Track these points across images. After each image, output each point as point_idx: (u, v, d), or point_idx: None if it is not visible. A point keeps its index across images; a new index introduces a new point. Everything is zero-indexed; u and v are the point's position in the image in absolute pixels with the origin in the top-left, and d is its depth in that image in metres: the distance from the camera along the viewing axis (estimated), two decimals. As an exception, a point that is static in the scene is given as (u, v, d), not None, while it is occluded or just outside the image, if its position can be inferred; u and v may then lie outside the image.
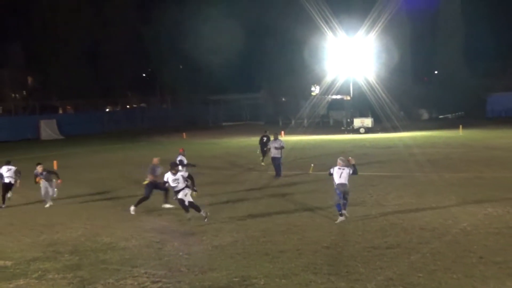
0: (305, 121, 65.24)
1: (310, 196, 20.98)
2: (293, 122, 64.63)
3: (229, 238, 15.22)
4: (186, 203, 17.03)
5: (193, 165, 21.84)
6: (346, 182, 16.66)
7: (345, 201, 16.75)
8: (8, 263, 13.63)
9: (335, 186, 16.71)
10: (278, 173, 26.39)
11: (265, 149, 29.17)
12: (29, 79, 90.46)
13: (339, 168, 16.78)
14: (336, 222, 16.50)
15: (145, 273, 12.43)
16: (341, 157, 17.38)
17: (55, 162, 32.61)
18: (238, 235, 15.46)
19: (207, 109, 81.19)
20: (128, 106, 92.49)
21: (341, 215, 16.65)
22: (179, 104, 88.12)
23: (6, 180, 21.19)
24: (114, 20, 79.94)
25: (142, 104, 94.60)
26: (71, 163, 35.00)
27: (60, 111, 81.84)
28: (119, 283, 11.90)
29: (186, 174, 18.60)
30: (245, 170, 29.47)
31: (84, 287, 11.74)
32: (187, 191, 17.13)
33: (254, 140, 48.77)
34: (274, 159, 26.59)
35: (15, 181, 21.41)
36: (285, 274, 12.05)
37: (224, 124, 77.63)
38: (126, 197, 22.08)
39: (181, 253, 13.84)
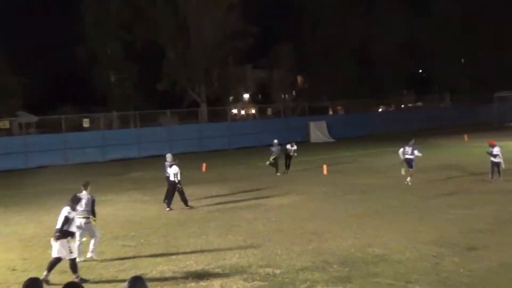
0: None
1: None
2: None
3: (516, 254, 14.39)
4: None
5: None
6: None
7: None
8: (277, 271, 14.18)
9: None
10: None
11: None
12: (299, 80, 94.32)
13: None
14: None
15: (421, 290, 12.17)
16: None
17: (324, 166, 33.61)
18: (522, 252, 14.57)
19: (491, 108, 77.88)
20: (402, 106, 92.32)
21: None
22: (460, 102, 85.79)
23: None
24: (385, 17, 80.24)
25: (418, 103, 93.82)
26: (341, 168, 35.65)
27: (330, 112, 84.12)
28: (393, 299, 11.79)
29: None
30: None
31: (354, 301, 11.81)
32: None
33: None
34: (493, 163, 27.15)
35: None
36: None
37: (511, 124, 73.85)
38: (399, 205, 21.98)
39: (461, 270, 13.33)
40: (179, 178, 23.21)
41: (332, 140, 62.44)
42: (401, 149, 27.38)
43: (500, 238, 16.05)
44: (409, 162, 27.12)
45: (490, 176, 27.11)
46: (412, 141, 27.60)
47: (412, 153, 26.96)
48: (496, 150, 26.90)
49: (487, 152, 27.28)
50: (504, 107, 78.43)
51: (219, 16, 63.94)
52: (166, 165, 24.05)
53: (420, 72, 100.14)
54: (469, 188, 25.41)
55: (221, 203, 24.44)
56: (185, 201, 23.59)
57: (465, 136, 52.03)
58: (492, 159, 26.94)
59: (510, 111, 78.69)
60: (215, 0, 63.39)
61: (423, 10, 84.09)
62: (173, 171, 23.31)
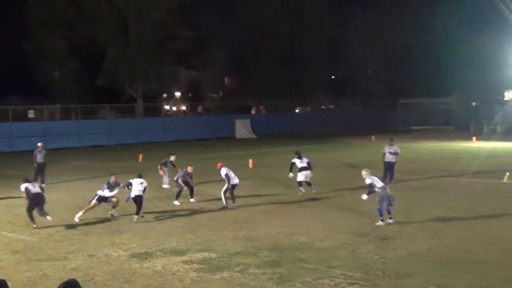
0: (499, 127, 62.11)
1: (507, 206, 20.00)
2: (485, 128, 61.77)
3: (424, 244, 14.92)
4: None
5: None
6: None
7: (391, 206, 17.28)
8: (213, 255, 14.32)
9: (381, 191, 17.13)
10: (391, 177, 26.12)
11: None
12: (226, 80, 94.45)
13: (368, 177, 17.51)
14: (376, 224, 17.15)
15: (342, 274, 12.49)
16: (365, 169, 18.14)
17: (250, 160, 33.84)
18: (433, 242, 15.11)
19: (397, 113, 79.95)
20: (323, 108, 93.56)
21: (382, 220, 17.18)
22: (370, 107, 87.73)
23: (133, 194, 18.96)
24: (311, 25, 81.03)
25: (331, 106, 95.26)
26: (266, 163, 35.97)
27: (253, 112, 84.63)
28: (316, 282, 12.06)
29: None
30: (436, 176, 28.63)
31: (283, 284, 12.03)
32: None
33: (445, 145, 47.64)
34: (389, 163, 26.23)
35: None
36: (484, 286, 11.64)
37: (413, 128, 75.95)
38: (320, 197, 22.40)
39: (376, 257, 13.75)
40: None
41: (255, 136, 62.85)
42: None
43: (409, 230, 16.60)
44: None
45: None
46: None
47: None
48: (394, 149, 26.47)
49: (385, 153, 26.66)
50: (407, 113, 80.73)
51: (158, 18, 63.42)
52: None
53: (334, 78, 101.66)
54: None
55: (158, 192, 24.35)
56: None
57: (373, 137, 53.20)
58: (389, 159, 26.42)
59: (412, 116, 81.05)
60: (155, 3, 62.87)
61: (342, 18, 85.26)
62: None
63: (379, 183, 17.43)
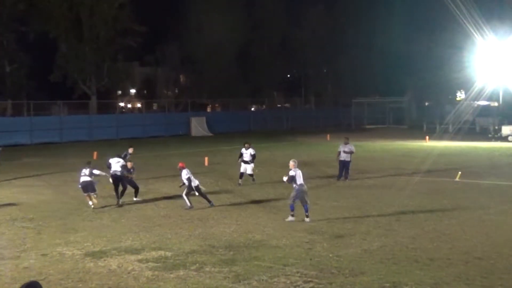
0: (451, 127, 63.27)
1: (458, 204, 20.44)
2: (438, 127, 62.84)
3: (378, 242, 15.14)
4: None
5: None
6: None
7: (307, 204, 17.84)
8: (168, 253, 14.28)
9: (297, 188, 17.64)
10: (346, 176, 26.54)
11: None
12: (181, 78, 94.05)
13: (294, 170, 17.83)
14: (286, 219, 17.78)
15: (297, 272, 12.60)
16: (293, 159, 18.38)
17: (206, 158, 33.83)
18: (386, 240, 15.36)
19: (350, 112, 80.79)
20: (278, 106, 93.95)
21: (292, 215, 17.82)
22: (323, 106, 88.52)
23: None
24: (264, 23, 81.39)
25: (286, 105, 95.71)
26: (221, 160, 35.97)
27: (209, 109, 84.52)
28: (272, 280, 12.15)
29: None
30: (390, 175, 29.06)
31: (239, 282, 12.08)
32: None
33: (398, 144, 48.34)
34: (344, 162, 26.47)
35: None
36: (437, 283, 11.85)
37: (367, 127, 76.86)
38: (274, 196, 22.51)
39: (331, 255, 13.91)
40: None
41: (211, 134, 62.76)
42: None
43: (363, 227, 16.84)
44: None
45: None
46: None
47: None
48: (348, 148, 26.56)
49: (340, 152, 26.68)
50: (361, 111, 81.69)
51: (111, 13, 62.81)
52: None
53: (288, 77, 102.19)
54: (333, 182, 26.31)
55: (110, 189, 24.07)
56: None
57: (328, 136, 53.61)
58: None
59: (365, 115, 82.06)
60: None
61: (295, 17, 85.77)
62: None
63: (299, 180, 17.79)
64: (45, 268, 13.19)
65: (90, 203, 20.25)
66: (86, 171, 20.27)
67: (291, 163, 18.07)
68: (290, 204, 17.82)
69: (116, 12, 63.23)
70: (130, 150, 25.40)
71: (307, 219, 17.63)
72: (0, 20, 59.85)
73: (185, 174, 20.23)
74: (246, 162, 25.72)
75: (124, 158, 23.38)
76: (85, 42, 62.98)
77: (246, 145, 26.20)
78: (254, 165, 26.15)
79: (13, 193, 23.72)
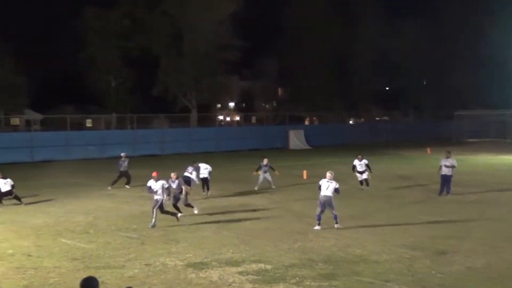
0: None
1: None
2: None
3: (483, 260, 14.70)
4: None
5: None
6: (331, 194, 18.57)
7: (333, 214, 18.67)
8: (268, 266, 14.37)
9: (320, 198, 18.64)
10: (448, 191, 26.02)
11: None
12: (279, 91, 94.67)
13: (327, 181, 18.70)
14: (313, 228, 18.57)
15: (399, 288, 12.42)
16: (330, 171, 19.08)
17: (304, 171, 33.81)
18: (492, 258, 14.89)
19: (451, 125, 78.70)
20: (377, 119, 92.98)
21: (319, 224, 18.66)
22: (423, 119, 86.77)
23: None
24: (362, 37, 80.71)
25: (385, 118, 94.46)
26: (320, 173, 35.75)
27: (306, 122, 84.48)
28: (373, 296, 12.02)
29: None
30: (494, 190, 28.12)
31: (339, 297, 12.02)
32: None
33: (502, 158, 46.70)
34: (445, 176, 25.96)
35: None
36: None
37: (468, 140, 74.62)
38: (374, 210, 22.25)
39: (433, 272, 13.61)
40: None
41: (309, 147, 62.69)
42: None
43: (467, 245, 16.36)
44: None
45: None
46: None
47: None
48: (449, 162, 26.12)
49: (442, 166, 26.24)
50: (463, 125, 79.35)
51: (211, 29, 64.06)
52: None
53: (387, 89, 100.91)
54: (434, 197, 25.74)
55: (213, 202, 24.53)
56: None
57: (428, 149, 52.45)
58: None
59: (467, 128, 79.65)
60: (208, 14, 63.47)
61: (394, 30, 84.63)
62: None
63: (324, 191, 18.68)
64: (148, 278, 13.55)
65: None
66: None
67: (327, 174, 18.94)
68: (317, 214, 18.73)
69: (216, 28, 64.42)
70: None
71: (335, 225, 18.65)
72: (105, 36, 62.34)
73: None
74: (360, 172, 27.94)
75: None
76: (185, 57, 64.53)
77: (359, 156, 28.11)
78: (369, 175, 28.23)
79: (119, 203, 24.54)
